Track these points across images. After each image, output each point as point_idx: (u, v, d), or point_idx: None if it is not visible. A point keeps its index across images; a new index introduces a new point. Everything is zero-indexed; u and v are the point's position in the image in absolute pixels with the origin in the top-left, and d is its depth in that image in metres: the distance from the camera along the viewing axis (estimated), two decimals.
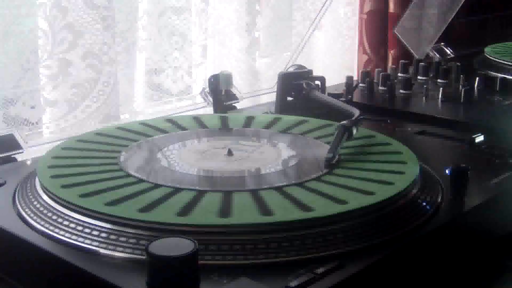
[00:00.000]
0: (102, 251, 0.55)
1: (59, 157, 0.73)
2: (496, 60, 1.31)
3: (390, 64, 1.54)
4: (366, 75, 1.17)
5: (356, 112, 0.83)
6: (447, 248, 0.63)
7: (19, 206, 0.63)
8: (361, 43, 1.58)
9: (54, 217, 0.59)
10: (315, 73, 1.01)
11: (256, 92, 1.27)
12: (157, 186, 0.64)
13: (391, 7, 1.56)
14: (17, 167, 0.77)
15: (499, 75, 1.20)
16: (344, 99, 1.03)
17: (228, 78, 1.04)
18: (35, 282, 0.59)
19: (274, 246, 0.54)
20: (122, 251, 0.54)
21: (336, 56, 1.56)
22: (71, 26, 1.00)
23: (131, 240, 0.55)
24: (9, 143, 0.81)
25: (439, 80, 1.20)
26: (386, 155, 0.75)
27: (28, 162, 0.78)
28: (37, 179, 0.67)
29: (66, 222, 0.58)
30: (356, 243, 0.56)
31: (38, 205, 0.62)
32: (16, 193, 0.67)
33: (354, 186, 0.64)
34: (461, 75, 1.17)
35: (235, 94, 1.05)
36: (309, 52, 1.47)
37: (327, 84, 1.03)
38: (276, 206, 0.59)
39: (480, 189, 0.69)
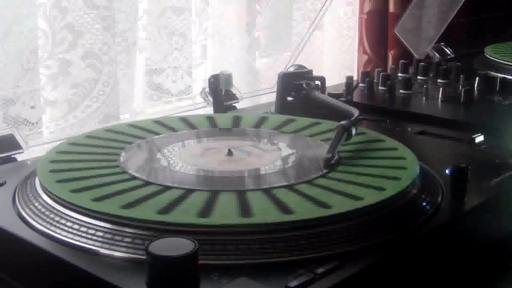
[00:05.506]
0: (102, 251, 0.55)
1: (59, 157, 0.73)
2: (496, 60, 1.31)
3: (390, 64, 1.54)
4: (366, 75, 1.17)
5: (356, 112, 0.83)
6: (447, 248, 0.63)
7: (19, 206, 0.63)
8: (361, 43, 1.58)
9: (54, 217, 0.59)
10: (315, 73, 1.01)
11: (256, 92, 1.27)
12: (157, 186, 0.64)
13: (391, 7, 1.56)
14: (17, 167, 0.77)
15: (499, 75, 1.20)
16: (344, 99, 1.03)
17: (228, 78, 1.04)
18: (35, 282, 0.59)
19: (274, 246, 0.54)
20: (122, 251, 0.54)
21: (336, 56, 1.56)
22: (71, 26, 1.00)
23: (131, 240, 0.55)
24: (9, 143, 0.81)
25: (439, 80, 1.20)
26: (385, 155, 0.75)
27: (28, 162, 0.78)
28: (37, 179, 0.67)
29: (66, 222, 0.58)
30: (356, 243, 0.56)
31: (38, 205, 0.62)
32: (16, 193, 0.67)
33: (353, 186, 0.64)
34: (461, 75, 1.17)
35: (235, 94, 1.05)
36: (309, 52, 1.47)
37: (327, 84, 1.03)
38: (275, 207, 0.59)
39: (480, 189, 0.69)
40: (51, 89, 1.01)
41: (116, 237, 0.55)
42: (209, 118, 0.89)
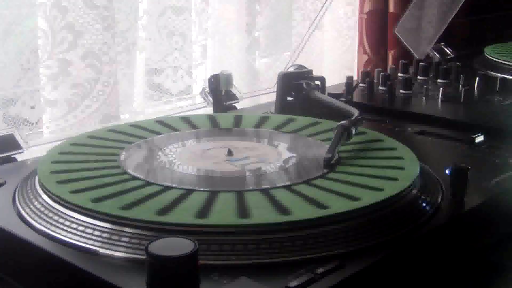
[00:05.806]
0: (101, 251, 0.55)
1: (59, 157, 0.73)
2: (496, 60, 1.31)
3: (390, 64, 1.54)
4: (366, 75, 1.17)
5: (356, 112, 0.83)
6: (447, 248, 0.63)
7: (19, 206, 0.63)
8: (361, 43, 1.58)
9: (54, 217, 0.59)
10: (315, 73, 1.01)
11: (256, 92, 1.27)
12: (157, 186, 0.64)
13: (391, 7, 1.56)
14: (17, 167, 0.77)
15: (499, 75, 1.20)
16: (344, 99, 1.03)
17: (228, 78, 1.04)
18: (35, 282, 0.59)
19: (274, 246, 0.54)
20: (122, 251, 0.54)
21: (336, 56, 1.56)
22: (71, 26, 1.00)
23: (131, 240, 0.55)
24: (9, 143, 0.81)
25: (439, 80, 1.20)
26: (385, 155, 0.75)
27: (28, 162, 0.78)
28: (37, 179, 0.67)
29: (66, 222, 0.58)
30: (356, 243, 0.56)
31: (38, 205, 0.62)
32: (16, 193, 0.67)
33: (353, 187, 0.64)
34: (461, 75, 1.17)
35: (235, 94, 1.05)
36: (309, 52, 1.47)
37: (327, 84, 1.03)
38: (275, 206, 0.59)
39: (480, 189, 0.69)
40: (51, 89, 1.01)
41: (115, 237, 0.55)
42: (211, 118, 0.89)
